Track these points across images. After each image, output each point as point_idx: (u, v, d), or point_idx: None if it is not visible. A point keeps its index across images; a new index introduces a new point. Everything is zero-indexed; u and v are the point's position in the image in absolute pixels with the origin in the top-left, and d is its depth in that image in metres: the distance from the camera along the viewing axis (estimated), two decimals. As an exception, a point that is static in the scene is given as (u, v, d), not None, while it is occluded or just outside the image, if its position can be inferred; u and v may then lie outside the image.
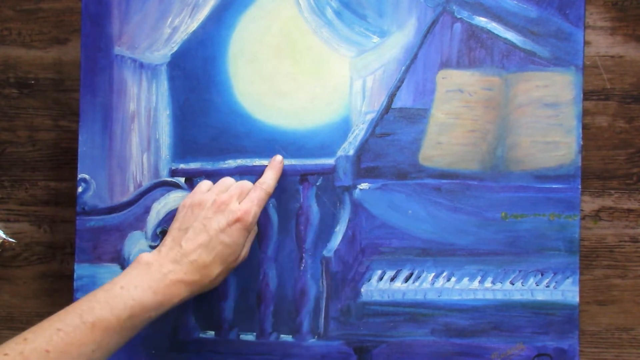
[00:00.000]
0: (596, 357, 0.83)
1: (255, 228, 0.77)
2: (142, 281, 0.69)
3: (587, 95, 0.82)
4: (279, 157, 0.78)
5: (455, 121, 0.77)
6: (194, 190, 0.76)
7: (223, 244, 0.71)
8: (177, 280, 0.70)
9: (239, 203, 0.73)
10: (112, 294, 0.67)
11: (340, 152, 0.78)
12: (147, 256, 0.71)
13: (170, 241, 0.72)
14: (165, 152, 0.79)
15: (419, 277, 0.77)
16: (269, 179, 0.76)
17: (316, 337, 0.78)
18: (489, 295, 0.76)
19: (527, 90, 0.76)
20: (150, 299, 0.68)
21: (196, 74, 0.79)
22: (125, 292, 0.68)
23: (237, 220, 0.72)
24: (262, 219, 0.78)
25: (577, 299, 0.76)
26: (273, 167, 0.77)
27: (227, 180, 0.76)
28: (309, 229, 0.78)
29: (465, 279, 0.77)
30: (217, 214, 0.72)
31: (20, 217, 0.88)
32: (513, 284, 0.76)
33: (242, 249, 0.73)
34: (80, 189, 0.79)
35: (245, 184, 0.75)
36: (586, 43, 0.78)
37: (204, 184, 0.76)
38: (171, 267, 0.70)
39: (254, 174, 0.78)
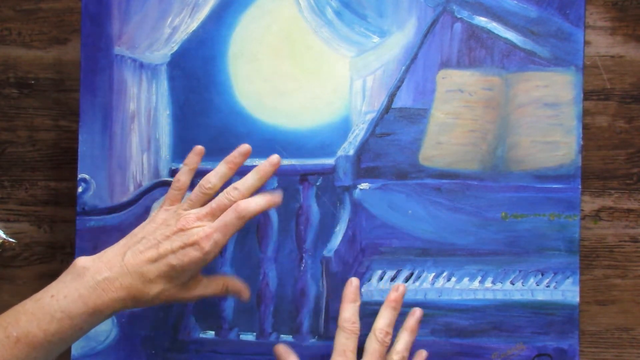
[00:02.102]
0: (596, 357, 0.83)
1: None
2: (73, 289, 0.64)
3: (587, 95, 0.82)
4: (278, 195, 0.72)
5: (455, 121, 0.77)
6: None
7: (170, 265, 0.66)
8: (110, 290, 0.65)
9: (204, 226, 0.68)
10: (40, 305, 0.63)
11: (340, 152, 0.78)
12: (84, 260, 0.67)
13: (119, 246, 0.68)
14: (165, 152, 0.79)
15: (419, 277, 0.77)
16: (251, 204, 0.69)
17: (316, 337, 0.78)
18: (489, 295, 0.76)
19: (527, 90, 0.76)
20: (80, 311, 0.64)
21: (196, 74, 0.79)
22: (55, 302, 0.64)
23: (193, 244, 0.66)
24: (262, 219, 0.78)
25: (577, 299, 0.76)
26: (266, 196, 0.71)
27: (208, 184, 0.70)
28: (309, 229, 0.78)
29: (466, 279, 0.77)
30: (175, 234, 0.67)
31: (20, 217, 0.88)
32: (513, 284, 0.76)
33: (186, 281, 0.68)
34: (80, 189, 0.79)
35: (224, 200, 0.69)
36: (586, 43, 0.78)
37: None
38: (107, 274, 0.65)
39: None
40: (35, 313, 0.63)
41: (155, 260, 0.67)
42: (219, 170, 0.72)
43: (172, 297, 0.68)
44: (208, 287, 0.71)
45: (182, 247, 0.66)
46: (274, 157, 0.72)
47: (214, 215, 0.68)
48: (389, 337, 0.71)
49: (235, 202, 0.69)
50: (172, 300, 0.69)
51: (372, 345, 0.71)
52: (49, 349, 0.63)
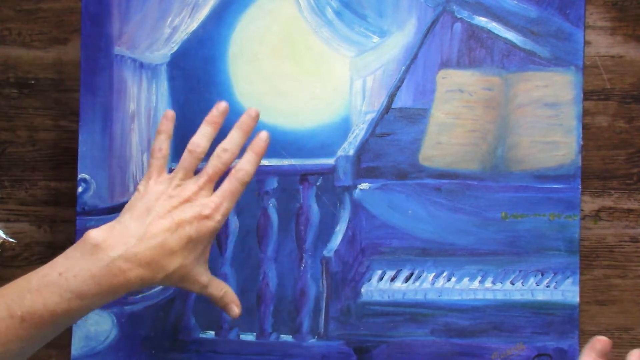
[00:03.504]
0: (596, 357, 0.83)
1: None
2: (84, 268, 0.59)
3: (587, 95, 0.82)
4: (263, 135, 0.69)
5: (455, 121, 0.77)
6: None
7: (188, 237, 0.63)
8: (127, 269, 0.60)
9: (210, 195, 0.65)
10: (47, 282, 0.59)
11: (340, 152, 0.78)
12: (96, 233, 0.61)
13: (129, 218, 0.63)
14: (165, 152, 0.79)
15: (419, 277, 0.77)
16: (246, 164, 0.67)
17: (316, 337, 0.78)
18: (489, 295, 0.76)
19: (527, 90, 0.76)
20: (93, 292, 0.59)
21: (196, 74, 0.79)
22: (63, 280, 0.59)
23: (207, 216, 0.64)
24: (262, 219, 0.78)
25: (577, 299, 0.76)
26: (254, 148, 0.68)
27: (199, 149, 0.67)
28: (309, 229, 0.78)
29: (466, 279, 0.77)
30: (182, 205, 0.64)
31: (20, 217, 0.88)
32: (513, 284, 0.76)
33: (205, 248, 0.66)
34: (80, 189, 0.79)
35: (218, 165, 0.66)
36: (586, 43, 0.78)
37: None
38: (123, 249, 0.60)
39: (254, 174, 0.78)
40: (42, 291, 0.58)
41: (174, 230, 0.62)
42: (205, 132, 0.68)
43: (186, 275, 0.64)
44: (212, 283, 0.69)
45: (197, 219, 0.63)
46: (253, 110, 0.70)
47: (212, 180, 0.66)
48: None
49: (228, 163, 0.67)
50: (184, 281, 0.65)
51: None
52: (54, 327, 0.60)
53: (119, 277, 0.60)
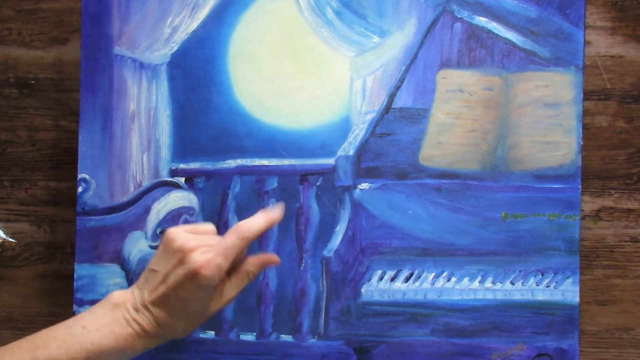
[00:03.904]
0: (596, 357, 0.83)
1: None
2: (106, 324, 0.65)
3: (587, 95, 0.82)
4: (280, 206, 0.72)
5: (455, 121, 0.77)
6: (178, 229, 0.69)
7: (181, 299, 0.66)
8: (139, 331, 0.65)
9: (204, 250, 0.66)
10: (71, 333, 0.64)
11: (340, 152, 0.78)
12: (118, 295, 0.67)
13: (143, 282, 0.67)
14: (165, 152, 0.79)
15: (419, 277, 0.77)
16: (251, 223, 0.68)
17: (316, 337, 0.78)
18: (489, 295, 0.76)
19: (527, 90, 0.76)
20: (111, 345, 0.64)
21: (196, 74, 0.79)
22: (86, 333, 0.64)
23: (195, 274, 0.65)
24: (262, 219, 0.78)
25: (577, 299, 0.76)
26: (266, 211, 0.71)
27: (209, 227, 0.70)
28: (309, 229, 0.78)
29: (466, 279, 0.77)
30: (178, 265, 0.65)
31: (20, 217, 0.88)
32: (513, 284, 0.76)
33: (207, 303, 0.67)
34: (80, 189, 0.79)
35: (225, 238, 0.67)
36: (586, 43, 0.78)
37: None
38: (135, 314, 0.66)
39: (254, 173, 0.78)
40: (66, 341, 0.63)
41: (167, 297, 0.65)
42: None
43: (204, 318, 0.68)
44: (236, 284, 0.69)
45: (186, 278, 0.65)
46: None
47: (210, 244, 0.67)
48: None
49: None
50: (208, 318, 0.69)
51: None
52: None
53: (134, 337, 0.65)
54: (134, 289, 0.68)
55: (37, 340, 0.64)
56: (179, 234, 0.67)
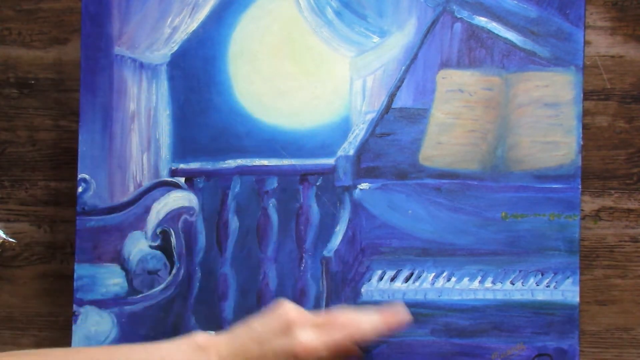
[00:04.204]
0: (596, 357, 0.83)
1: None
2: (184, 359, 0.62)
3: (587, 95, 0.82)
4: (402, 311, 0.65)
5: (455, 121, 0.77)
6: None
7: None
8: None
9: (312, 334, 0.61)
10: (150, 358, 0.62)
11: (340, 152, 0.78)
12: (204, 338, 0.63)
13: (235, 334, 0.64)
14: (165, 152, 0.79)
15: (419, 277, 0.77)
16: (368, 325, 0.63)
17: (316, 337, 0.77)
18: (489, 295, 0.76)
19: (527, 90, 0.76)
20: None
21: (196, 74, 0.79)
22: None
23: (294, 354, 0.61)
24: (262, 219, 0.78)
25: (577, 299, 0.76)
26: (385, 315, 0.64)
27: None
28: (309, 229, 0.78)
29: (466, 279, 0.77)
30: (279, 335, 0.62)
31: (20, 217, 0.88)
32: (513, 284, 0.76)
33: None
34: (80, 189, 0.79)
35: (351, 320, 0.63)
36: (586, 43, 0.78)
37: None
38: (221, 356, 0.62)
39: (254, 173, 0.78)
40: None
41: (255, 359, 0.62)
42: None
43: None
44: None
45: (285, 355, 0.61)
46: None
47: (322, 327, 0.63)
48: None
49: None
50: None
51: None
52: None
53: None
54: (223, 337, 0.64)
55: (115, 352, 0.63)
56: (290, 306, 0.64)
